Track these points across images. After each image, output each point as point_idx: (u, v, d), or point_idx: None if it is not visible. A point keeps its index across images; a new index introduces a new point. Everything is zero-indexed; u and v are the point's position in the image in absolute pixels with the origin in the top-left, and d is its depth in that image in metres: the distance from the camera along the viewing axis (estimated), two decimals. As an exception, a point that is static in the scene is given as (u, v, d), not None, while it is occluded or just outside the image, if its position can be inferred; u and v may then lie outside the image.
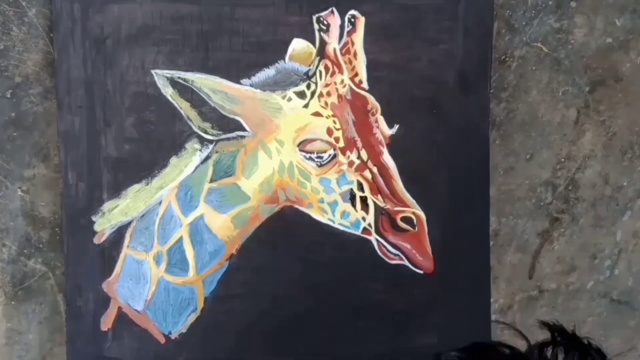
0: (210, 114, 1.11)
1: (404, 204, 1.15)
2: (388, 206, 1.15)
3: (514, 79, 1.21)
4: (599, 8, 1.22)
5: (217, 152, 1.12)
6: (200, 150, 1.11)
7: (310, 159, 1.13)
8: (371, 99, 1.13)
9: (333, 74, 1.12)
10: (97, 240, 1.11)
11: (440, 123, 1.15)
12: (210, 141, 1.11)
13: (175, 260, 1.13)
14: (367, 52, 1.12)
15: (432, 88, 1.15)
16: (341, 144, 1.13)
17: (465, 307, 1.19)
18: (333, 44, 1.12)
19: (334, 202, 1.14)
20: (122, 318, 1.13)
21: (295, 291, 1.16)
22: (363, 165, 1.14)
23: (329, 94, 1.12)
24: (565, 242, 1.27)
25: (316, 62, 1.12)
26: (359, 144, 1.13)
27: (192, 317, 1.14)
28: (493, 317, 1.23)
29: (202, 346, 1.15)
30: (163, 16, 1.08)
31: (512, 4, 1.19)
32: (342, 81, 1.12)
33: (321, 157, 1.13)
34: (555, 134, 1.24)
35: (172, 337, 1.14)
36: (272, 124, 1.12)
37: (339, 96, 1.12)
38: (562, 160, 1.24)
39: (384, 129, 1.14)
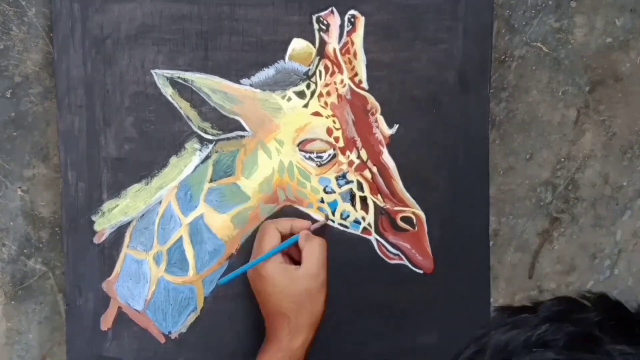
0: (210, 114, 1.11)
1: (403, 203, 1.15)
2: (388, 206, 1.15)
3: (514, 79, 1.21)
4: (598, 8, 1.22)
5: (216, 151, 1.12)
6: (200, 150, 1.11)
7: (310, 158, 1.13)
8: (371, 98, 1.13)
9: (333, 73, 1.12)
10: (97, 240, 1.11)
11: (440, 123, 1.15)
12: (210, 141, 1.11)
13: (175, 260, 1.13)
14: (366, 51, 1.12)
15: (432, 88, 1.15)
16: (341, 143, 1.13)
17: (465, 307, 1.19)
18: (333, 43, 1.12)
19: (334, 201, 1.14)
20: (122, 318, 1.13)
21: (295, 291, 1.16)
22: (363, 165, 1.14)
23: (328, 93, 1.12)
24: (565, 242, 1.27)
25: (316, 62, 1.12)
26: (359, 143, 1.13)
27: (192, 317, 1.14)
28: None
29: (202, 346, 1.15)
30: (163, 16, 1.08)
31: (511, 4, 1.19)
32: (342, 81, 1.12)
33: (321, 157, 1.13)
34: (555, 133, 1.24)
35: (172, 336, 1.14)
36: (272, 123, 1.12)
37: (339, 96, 1.12)
38: (562, 160, 1.25)
39: (383, 129, 1.14)
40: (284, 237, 1.10)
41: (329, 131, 1.12)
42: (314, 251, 1.07)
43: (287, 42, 1.11)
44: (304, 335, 1.06)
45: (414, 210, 1.15)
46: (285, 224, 1.10)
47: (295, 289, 1.06)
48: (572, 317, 0.69)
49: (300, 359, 1.06)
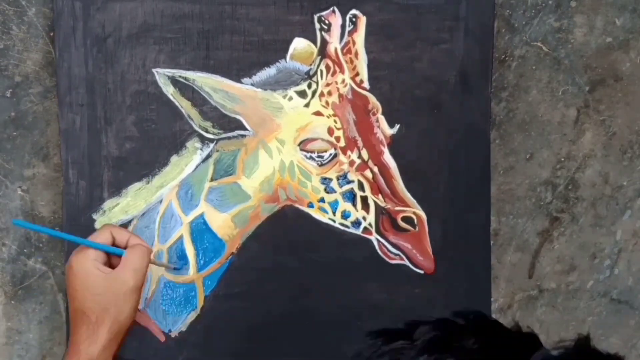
0: (211, 113, 1.11)
1: (404, 203, 1.15)
2: (389, 206, 1.15)
3: (514, 79, 1.21)
4: (598, 7, 1.23)
5: (217, 151, 1.12)
6: (201, 149, 1.11)
7: (311, 158, 1.13)
8: (372, 98, 1.13)
9: (334, 73, 1.12)
10: (97, 238, 1.11)
11: (441, 123, 1.15)
12: (211, 140, 1.11)
13: (176, 259, 1.13)
14: (368, 51, 1.13)
15: (433, 88, 1.15)
16: (342, 143, 1.13)
17: (465, 307, 1.18)
18: (334, 43, 1.12)
19: (335, 201, 1.14)
20: (122, 317, 1.13)
21: (295, 291, 1.16)
22: (364, 165, 1.14)
23: (329, 93, 1.12)
24: (565, 242, 1.27)
25: (317, 62, 1.12)
26: (360, 143, 1.13)
27: (192, 316, 1.14)
28: (493, 317, 1.23)
29: (202, 345, 1.15)
30: (164, 15, 1.08)
31: (512, 4, 1.19)
32: (343, 80, 1.12)
33: (322, 157, 1.13)
34: (555, 133, 1.24)
35: (172, 335, 1.14)
36: (273, 123, 1.12)
37: (340, 95, 1.12)
38: (562, 159, 1.25)
39: (384, 129, 1.14)
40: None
41: (330, 131, 1.13)
42: (132, 255, 0.95)
43: (289, 42, 1.11)
44: (103, 342, 0.93)
45: (415, 210, 1.15)
46: (124, 234, 0.98)
47: (101, 288, 0.93)
48: (451, 345, 0.67)
49: None
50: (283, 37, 1.11)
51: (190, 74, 1.10)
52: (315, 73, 1.12)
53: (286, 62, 1.11)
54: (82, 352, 0.92)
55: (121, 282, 0.93)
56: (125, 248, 0.96)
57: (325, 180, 1.14)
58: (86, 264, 0.93)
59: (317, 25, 1.11)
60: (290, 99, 1.12)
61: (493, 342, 0.67)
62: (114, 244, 0.96)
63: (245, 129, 1.12)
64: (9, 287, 1.14)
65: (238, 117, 1.11)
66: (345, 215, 1.15)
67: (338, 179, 1.14)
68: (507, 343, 0.68)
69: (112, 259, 0.96)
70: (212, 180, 1.12)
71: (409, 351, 0.67)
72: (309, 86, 1.12)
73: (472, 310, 0.72)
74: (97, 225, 1.10)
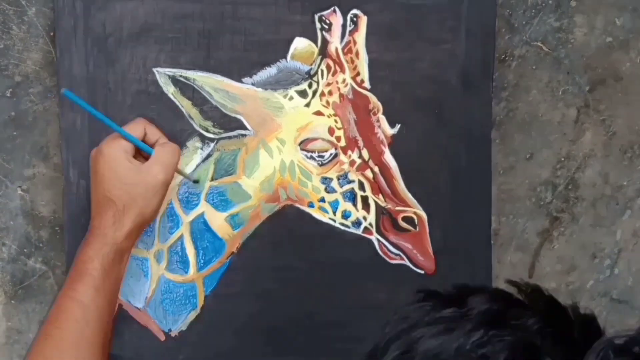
0: (212, 113, 1.11)
1: (405, 203, 1.15)
2: (389, 206, 1.15)
3: (514, 78, 1.21)
4: (599, 7, 1.23)
5: (218, 150, 1.12)
6: (202, 149, 1.11)
7: (312, 158, 1.13)
8: (373, 98, 1.13)
9: (335, 73, 1.12)
10: (98, 238, 1.11)
11: (442, 123, 1.15)
12: (212, 140, 1.11)
13: (176, 258, 1.13)
14: (369, 51, 1.12)
15: (435, 88, 1.15)
16: (342, 143, 1.13)
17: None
18: (335, 43, 1.12)
19: (335, 201, 1.14)
20: (122, 315, 1.12)
21: (295, 290, 1.16)
22: (364, 165, 1.14)
23: (330, 93, 1.12)
24: (565, 242, 1.27)
25: (318, 61, 1.12)
26: (361, 143, 1.13)
27: (192, 315, 1.14)
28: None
29: (202, 344, 1.15)
30: (165, 14, 1.08)
31: (512, 3, 1.19)
32: (344, 80, 1.12)
33: (322, 157, 1.13)
34: (555, 133, 1.24)
35: (172, 334, 1.14)
36: (274, 122, 1.12)
37: (341, 95, 1.12)
38: (562, 159, 1.25)
39: (385, 129, 1.14)
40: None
41: (331, 130, 1.13)
42: (164, 152, 1.03)
43: (289, 41, 1.11)
44: (127, 230, 1.00)
45: (416, 210, 1.15)
46: (155, 132, 1.06)
47: (132, 179, 1.00)
48: (510, 322, 0.62)
49: (125, 259, 1.03)
50: (284, 37, 1.11)
51: (190, 74, 1.10)
52: (316, 73, 1.12)
53: (287, 61, 1.11)
54: (109, 236, 1.00)
55: (152, 175, 1.01)
56: (153, 145, 1.04)
57: (326, 180, 1.14)
58: (118, 153, 1.01)
59: (318, 25, 1.11)
60: (291, 98, 1.12)
61: (553, 323, 0.62)
62: (144, 139, 1.04)
63: (245, 128, 1.12)
64: (9, 287, 1.14)
65: (238, 116, 1.11)
66: (345, 215, 1.15)
67: (338, 179, 1.14)
68: (567, 327, 0.63)
69: (139, 153, 1.04)
70: (212, 179, 1.12)
71: (465, 323, 0.62)
72: (310, 86, 1.12)
73: (529, 282, 0.67)
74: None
